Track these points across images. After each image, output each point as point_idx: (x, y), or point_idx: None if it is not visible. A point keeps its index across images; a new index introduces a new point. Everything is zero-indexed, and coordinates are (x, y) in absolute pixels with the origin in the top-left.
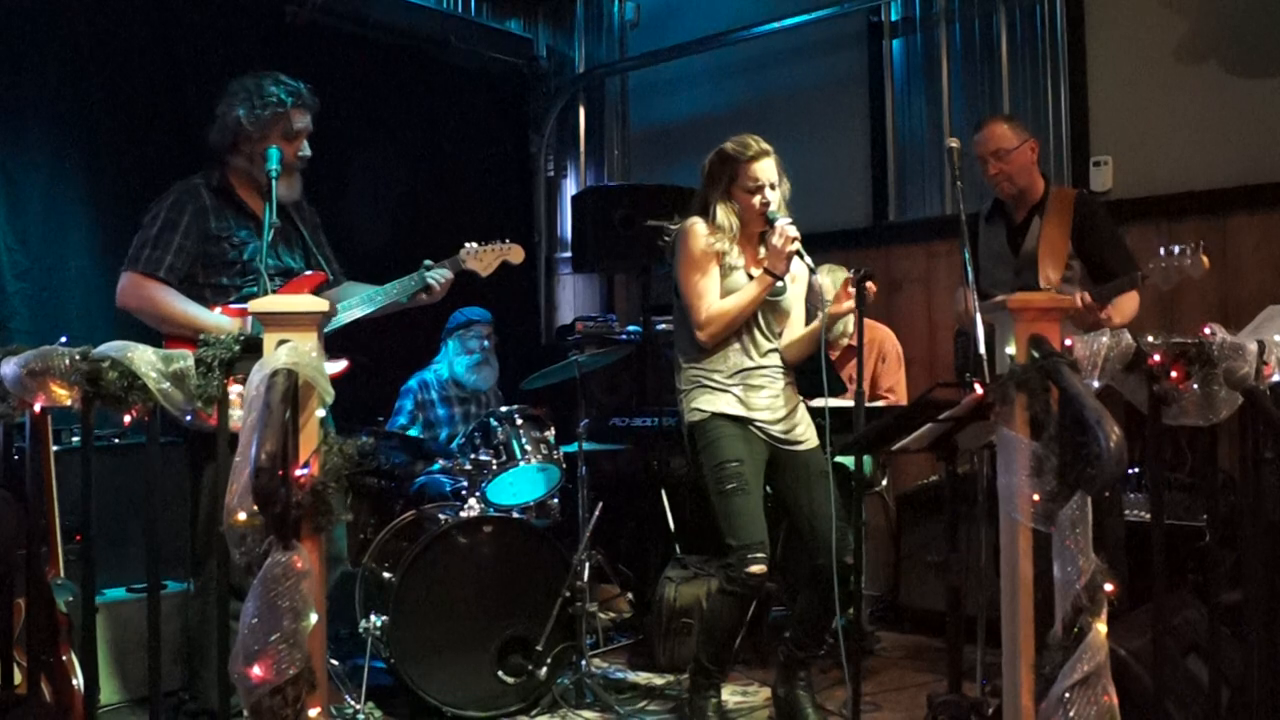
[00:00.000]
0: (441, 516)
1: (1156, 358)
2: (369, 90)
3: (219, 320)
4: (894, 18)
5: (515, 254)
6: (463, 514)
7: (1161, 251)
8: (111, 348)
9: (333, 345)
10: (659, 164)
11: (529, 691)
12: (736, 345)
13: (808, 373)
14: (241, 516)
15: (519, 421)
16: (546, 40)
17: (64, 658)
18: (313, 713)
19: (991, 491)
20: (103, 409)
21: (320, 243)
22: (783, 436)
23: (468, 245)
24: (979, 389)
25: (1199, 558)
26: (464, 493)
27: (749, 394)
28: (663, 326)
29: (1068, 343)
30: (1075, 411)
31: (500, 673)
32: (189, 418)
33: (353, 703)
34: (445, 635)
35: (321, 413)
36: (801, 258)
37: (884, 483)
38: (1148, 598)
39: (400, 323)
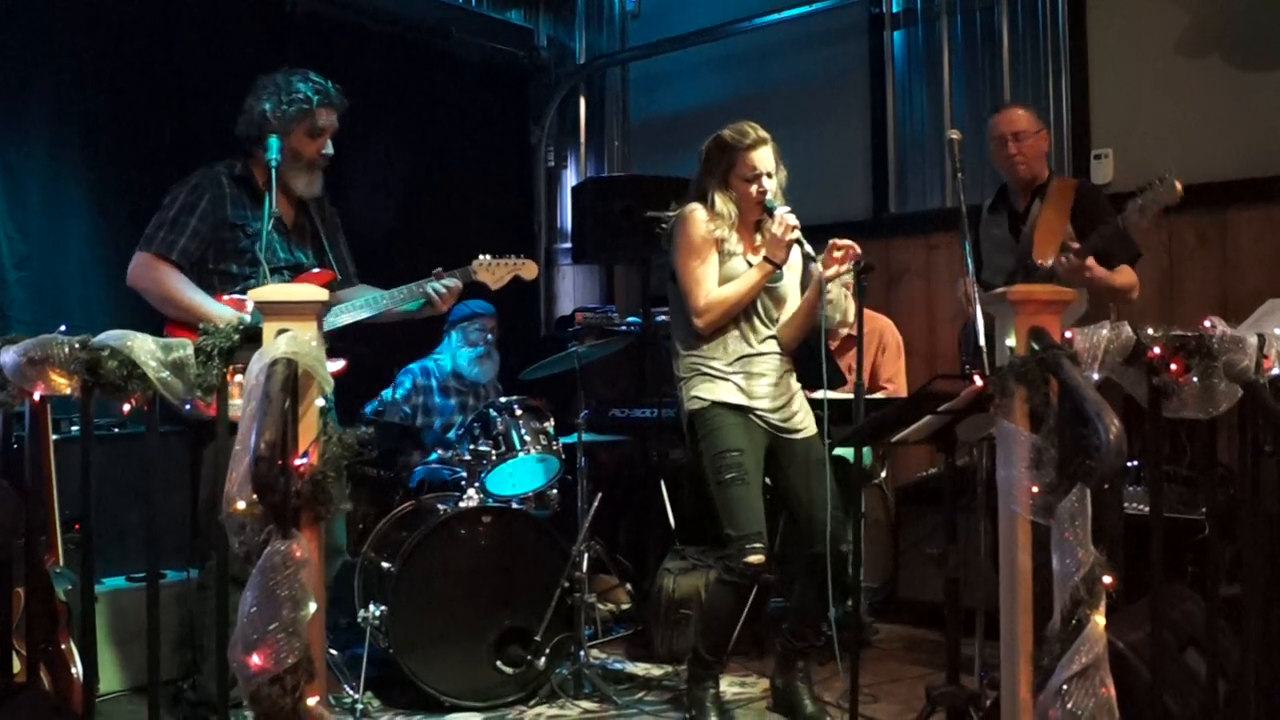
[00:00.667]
0: (440, 507)
1: (1156, 350)
2: (369, 80)
3: (220, 310)
4: (895, 9)
5: (528, 270)
6: (462, 504)
7: (1138, 193)
8: (111, 336)
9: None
10: (659, 155)
11: (527, 682)
12: (735, 332)
13: (803, 360)
14: (241, 505)
15: (518, 412)
16: (547, 31)
17: (63, 646)
18: (311, 702)
19: (991, 484)
20: (102, 398)
21: (337, 243)
22: (781, 424)
23: (481, 257)
24: (978, 381)
25: (1198, 551)
26: (463, 483)
27: (749, 382)
28: (662, 318)
29: (1068, 335)
30: (1075, 404)
31: (499, 663)
32: (188, 407)
33: (351, 692)
34: (444, 625)
35: (321, 402)
36: (801, 246)
37: (883, 475)
38: (1146, 590)
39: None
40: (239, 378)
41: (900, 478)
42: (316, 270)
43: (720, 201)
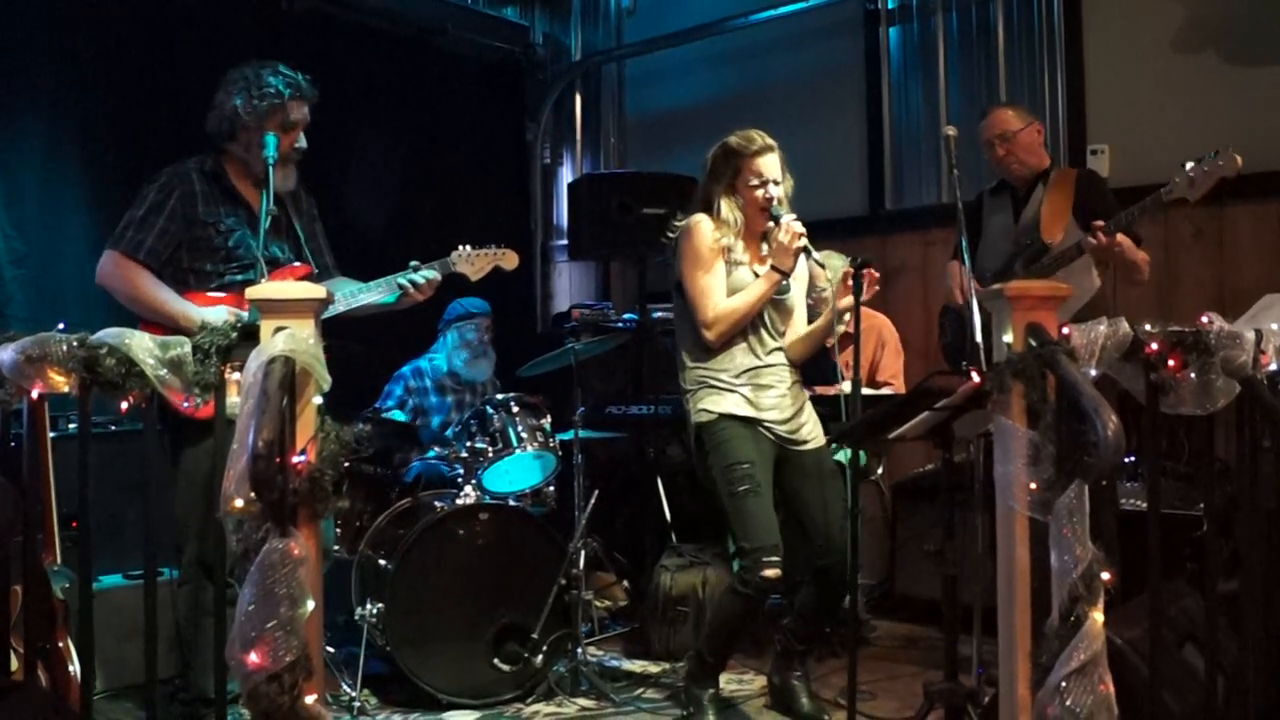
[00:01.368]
0: (437, 504)
1: (1154, 346)
2: (365, 77)
3: (186, 308)
4: (891, 5)
5: (509, 259)
6: (459, 501)
7: (1188, 163)
8: (109, 334)
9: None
10: (655, 152)
11: (524, 679)
12: (743, 344)
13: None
14: (238, 503)
15: (515, 409)
16: (543, 27)
17: (60, 644)
18: (309, 700)
19: (988, 480)
20: (100, 396)
21: (314, 234)
22: (790, 436)
23: (460, 248)
24: (976, 377)
25: (1196, 547)
26: (460, 480)
27: (757, 394)
28: (659, 314)
29: (1065, 331)
30: (1072, 400)
31: (496, 660)
32: (186, 404)
33: (348, 690)
34: (441, 623)
35: (319, 400)
36: (808, 254)
37: (880, 471)
38: (1144, 587)
39: (396, 310)
40: (236, 375)
41: (897, 474)
42: (295, 265)
43: (726, 208)
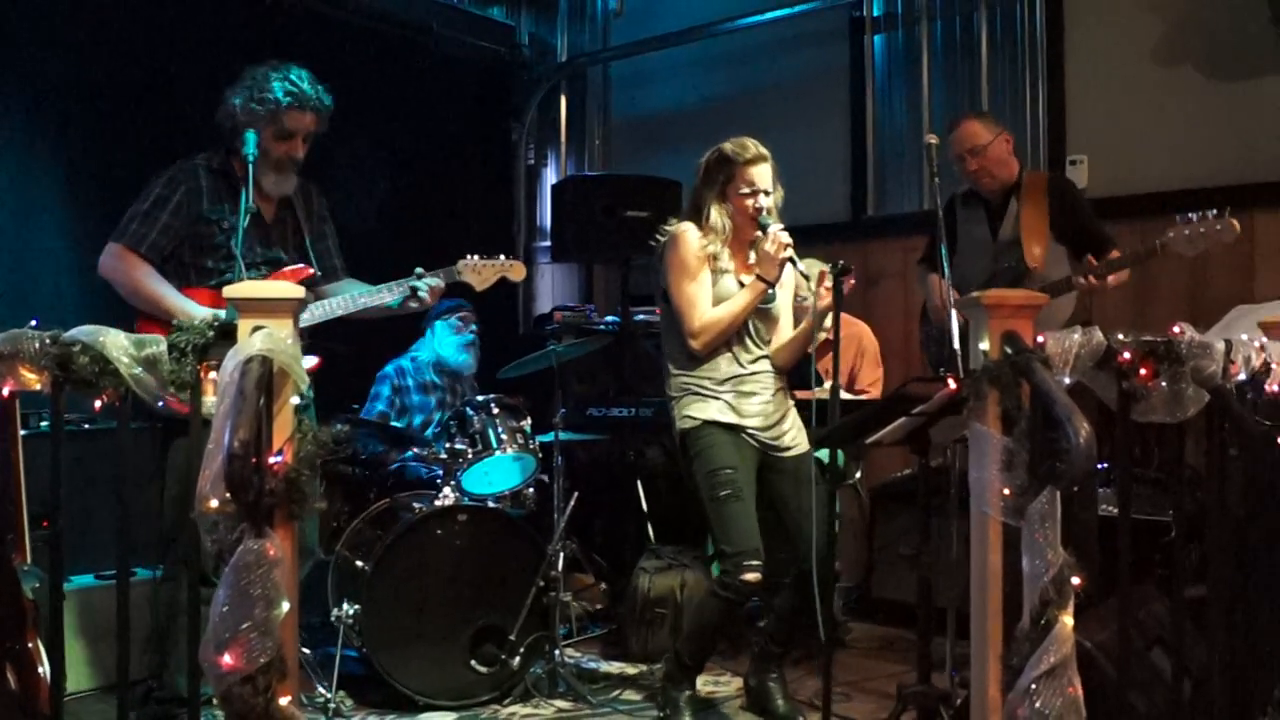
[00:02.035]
0: (416, 505)
1: (1126, 355)
2: (350, 75)
3: (185, 305)
4: (876, 13)
5: (516, 271)
6: (437, 503)
7: (1188, 217)
8: (83, 332)
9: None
10: (640, 154)
11: (502, 681)
12: (727, 353)
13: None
14: (214, 503)
15: (495, 410)
16: (529, 28)
17: (30, 645)
18: (284, 701)
19: (963, 485)
20: (73, 394)
21: (324, 235)
22: (772, 442)
23: (468, 257)
24: (952, 384)
25: (1165, 552)
26: (439, 481)
27: (740, 401)
28: (641, 317)
29: (1040, 339)
30: (1046, 407)
31: (473, 662)
32: (160, 403)
33: (324, 692)
34: (418, 624)
35: (296, 400)
36: (794, 265)
37: (858, 475)
38: (1114, 591)
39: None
40: (213, 374)
41: (875, 478)
42: (296, 267)
43: (716, 215)
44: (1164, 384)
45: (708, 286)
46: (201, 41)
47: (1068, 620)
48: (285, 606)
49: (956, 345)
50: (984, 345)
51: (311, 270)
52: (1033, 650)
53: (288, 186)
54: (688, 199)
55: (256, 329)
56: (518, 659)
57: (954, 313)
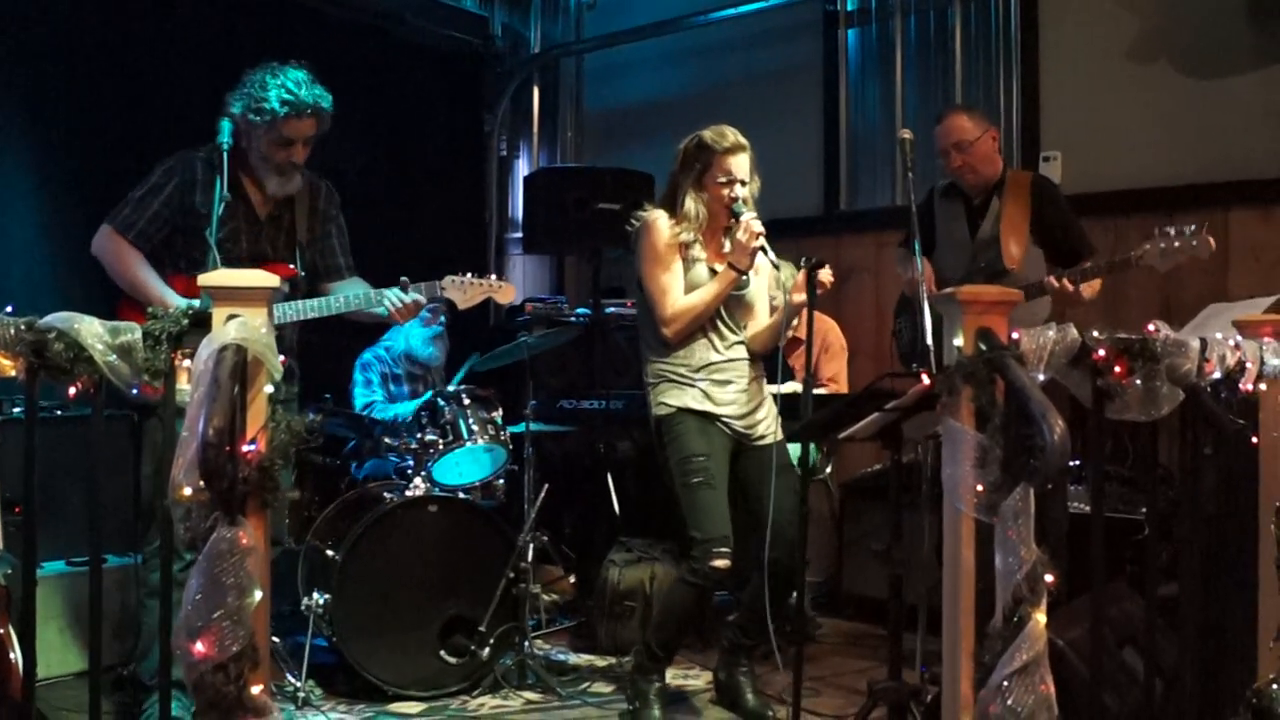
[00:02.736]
0: (387, 495)
1: (1101, 353)
2: (320, 65)
3: (165, 294)
4: (850, 8)
5: (504, 294)
6: (408, 493)
7: (1166, 230)
8: (57, 318)
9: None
10: (613, 146)
11: (471, 672)
12: (703, 340)
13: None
14: (187, 491)
15: (466, 401)
16: (502, 19)
17: (2, 631)
18: (255, 690)
19: (935, 481)
20: (47, 380)
21: (328, 234)
22: (746, 431)
23: (458, 277)
24: (926, 379)
25: (1137, 550)
26: (410, 472)
27: (714, 389)
28: (613, 309)
29: (1014, 336)
30: (1020, 404)
31: (443, 652)
32: (135, 391)
33: (294, 681)
34: (388, 614)
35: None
36: (766, 254)
37: (828, 470)
38: (1086, 589)
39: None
40: (187, 362)
41: (846, 474)
42: (282, 264)
43: (691, 202)
44: (1139, 382)
45: (679, 275)
46: (174, 33)
47: (1040, 618)
48: (258, 595)
49: (930, 340)
50: (958, 341)
51: (294, 269)
52: (1005, 647)
53: (291, 187)
54: (667, 187)
55: (231, 317)
56: (487, 650)
57: (926, 308)
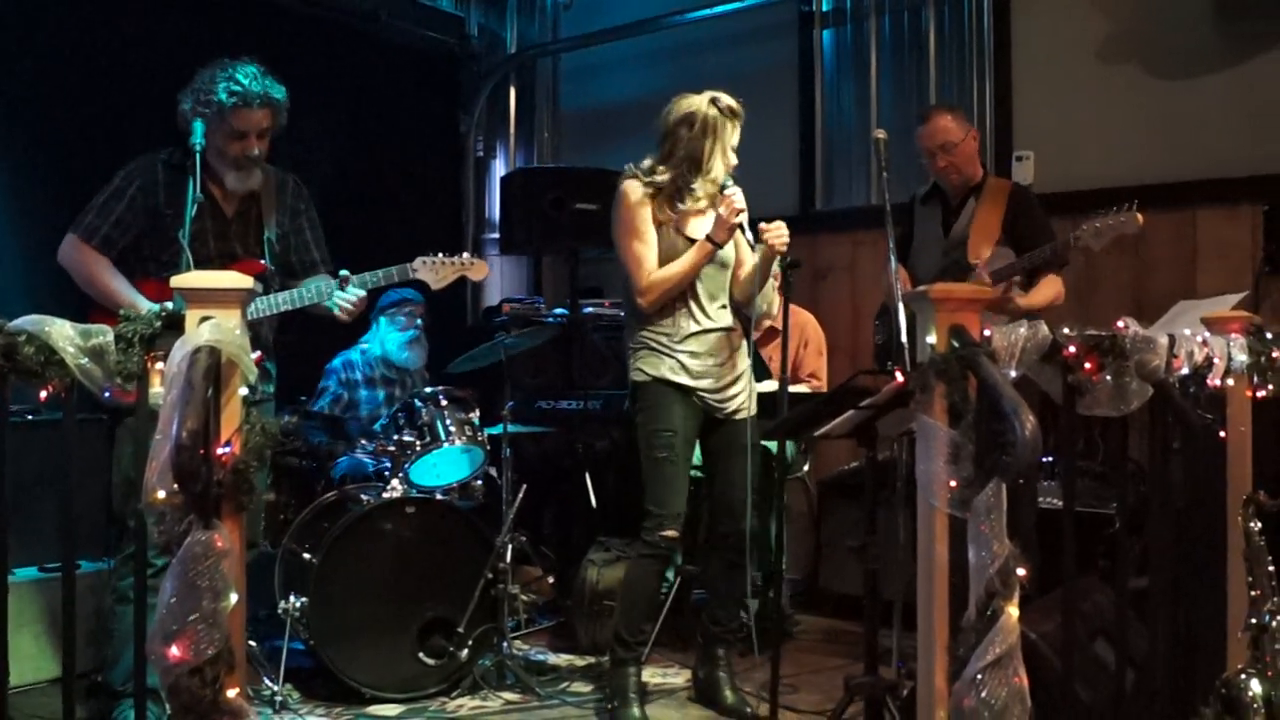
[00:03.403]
0: (364, 497)
1: (1072, 349)
2: (295, 63)
3: (135, 299)
4: (825, 8)
5: (477, 270)
6: (385, 495)
7: (1100, 212)
8: (28, 321)
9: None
10: (589, 147)
11: (450, 673)
12: (684, 309)
13: None
14: (161, 494)
15: (444, 402)
16: (479, 19)
17: None
18: (231, 693)
19: (910, 478)
20: (18, 384)
21: (299, 229)
22: (719, 404)
23: (430, 256)
24: (900, 377)
25: (1108, 544)
26: (387, 473)
27: (691, 360)
28: (590, 309)
29: (986, 333)
30: (992, 400)
31: (421, 654)
32: (107, 394)
33: (271, 684)
34: (366, 616)
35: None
36: (743, 231)
37: (805, 468)
38: (1058, 583)
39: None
40: (160, 365)
41: (822, 471)
42: (250, 261)
43: (719, 168)
44: (1108, 378)
45: (654, 244)
46: (147, 33)
47: (1013, 611)
48: (233, 598)
49: (904, 339)
50: (931, 339)
51: (263, 265)
52: (978, 641)
53: (252, 183)
54: (680, 150)
55: (204, 319)
56: (466, 651)
57: (900, 306)
